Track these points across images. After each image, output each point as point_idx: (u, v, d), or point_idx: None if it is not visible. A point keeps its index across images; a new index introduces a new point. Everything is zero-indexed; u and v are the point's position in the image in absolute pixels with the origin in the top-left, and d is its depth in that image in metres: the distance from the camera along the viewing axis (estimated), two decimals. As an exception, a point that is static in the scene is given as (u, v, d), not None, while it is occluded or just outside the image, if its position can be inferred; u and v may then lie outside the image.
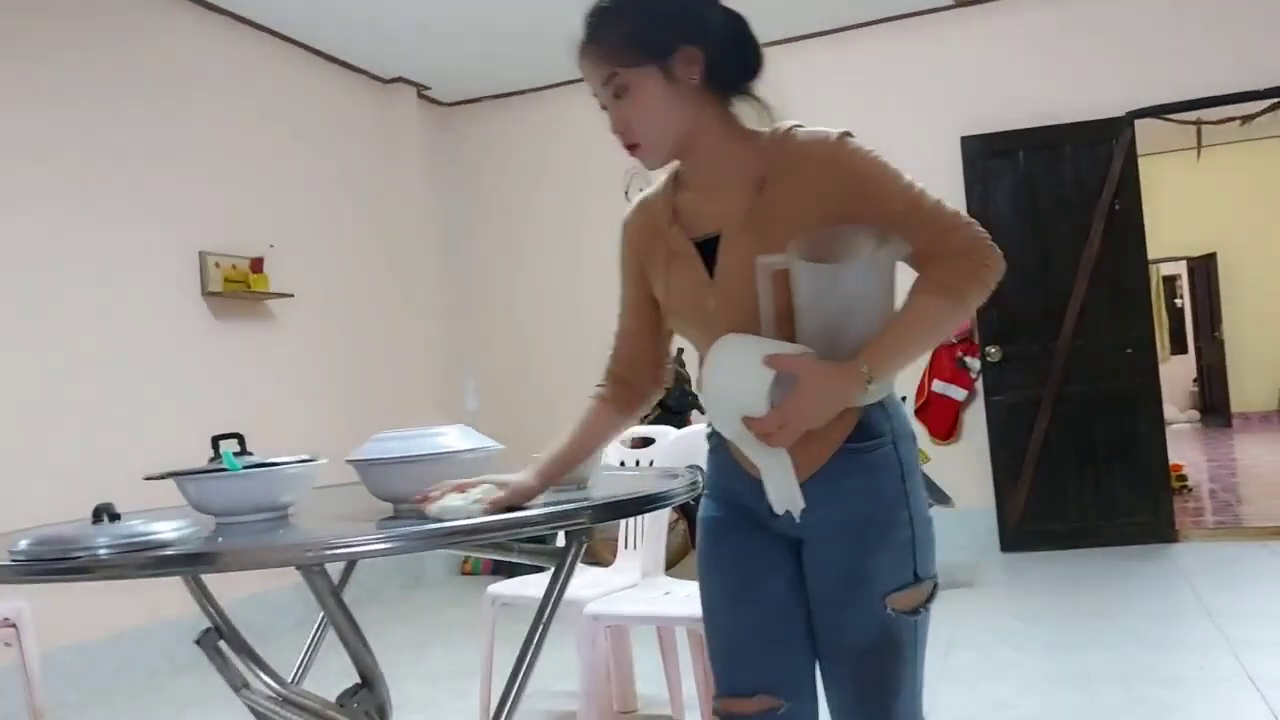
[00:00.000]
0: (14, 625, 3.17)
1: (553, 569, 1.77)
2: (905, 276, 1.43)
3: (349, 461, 1.72)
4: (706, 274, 1.49)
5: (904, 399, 5.09)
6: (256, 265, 4.94)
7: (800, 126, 1.47)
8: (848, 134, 1.45)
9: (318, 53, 5.66)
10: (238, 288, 4.84)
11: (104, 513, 1.50)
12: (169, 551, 1.42)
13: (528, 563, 2.29)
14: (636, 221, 1.63)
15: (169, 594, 3.50)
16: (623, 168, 6.26)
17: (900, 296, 1.42)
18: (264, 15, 5.13)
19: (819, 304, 1.37)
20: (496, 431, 2.11)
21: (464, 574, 6.33)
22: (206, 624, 2.14)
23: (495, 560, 5.96)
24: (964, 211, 1.41)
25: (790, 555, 1.53)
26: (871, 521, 1.46)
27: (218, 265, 4.79)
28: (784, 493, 1.43)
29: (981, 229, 1.41)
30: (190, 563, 1.46)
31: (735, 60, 1.49)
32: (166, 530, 1.48)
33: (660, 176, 1.61)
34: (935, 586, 1.52)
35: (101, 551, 1.40)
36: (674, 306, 1.56)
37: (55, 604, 3.52)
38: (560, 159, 6.44)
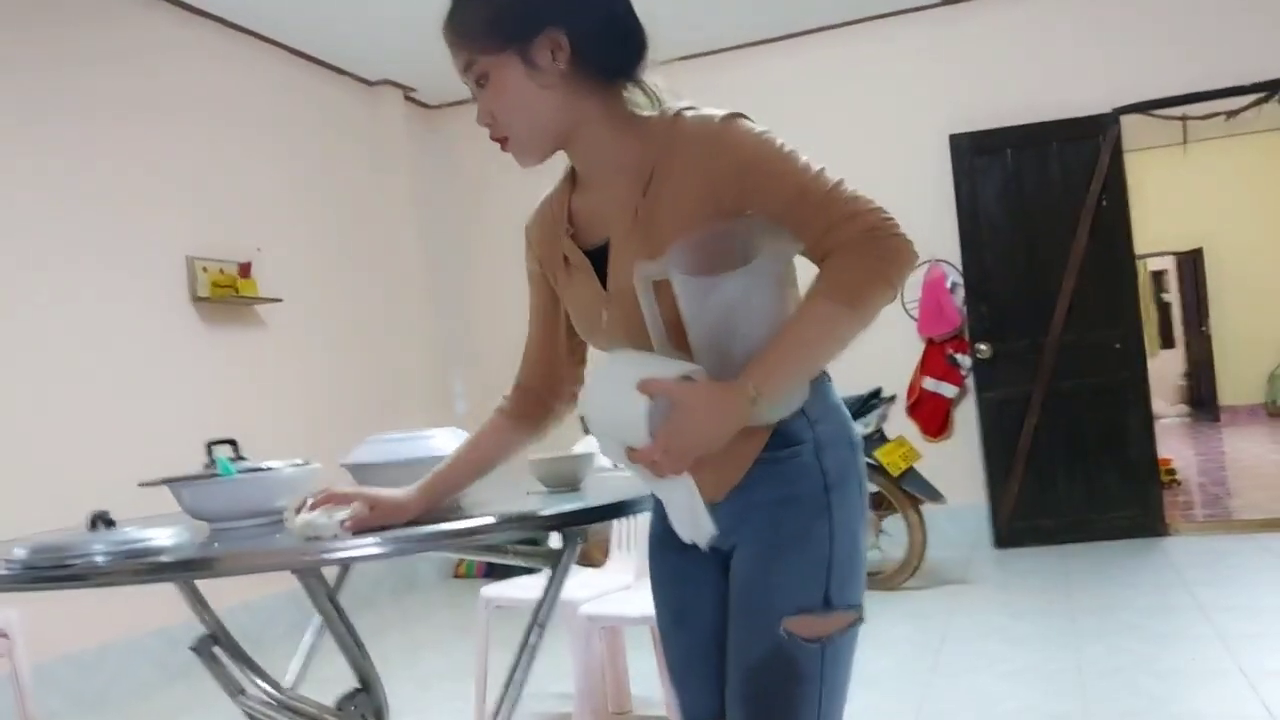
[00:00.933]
0: (5, 635, 3.15)
1: (548, 571, 1.77)
2: (807, 270, 1.29)
3: (343, 465, 1.71)
4: (600, 285, 1.36)
5: (891, 397, 5.15)
6: (244, 270, 4.92)
7: (690, 109, 1.31)
8: (738, 115, 1.29)
9: (304, 55, 5.65)
10: (226, 293, 4.83)
11: (99, 520, 1.49)
12: (166, 558, 1.42)
13: (521, 565, 2.29)
14: (537, 223, 1.49)
15: (160, 602, 3.49)
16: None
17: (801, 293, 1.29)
18: (250, 19, 5.11)
19: (702, 316, 1.24)
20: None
21: (457, 577, 6.32)
22: (198, 631, 2.13)
23: (489, 564, 5.96)
24: (866, 195, 1.23)
25: (722, 572, 1.39)
26: (781, 531, 1.31)
27: (205, 270, 4.77)
28: (687, 521, 1.31)
29: (888, 215, 1.22)
30: (187, 569, 1.46)
31: (611, 43, 1.33)
32: (162, 537, 1.48)
33: (558, 172, 1.48)
34: (856, 621, 1.33)
35: (98, 559, 1.40)
36: (574, 320, 1.45)
37: (46, 613, 3.50)
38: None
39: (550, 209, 1.46)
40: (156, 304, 4.58)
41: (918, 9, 5.77)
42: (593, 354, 1.51)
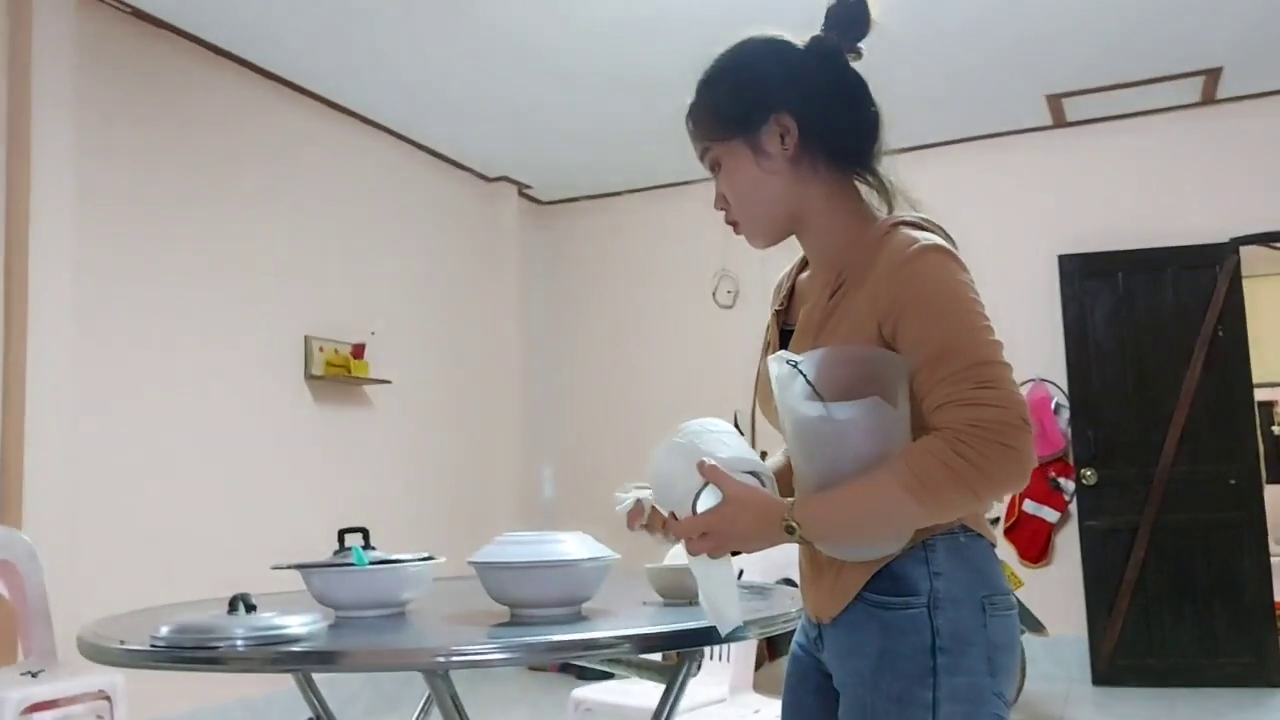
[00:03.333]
0: (108, 697, 3.22)
1: (664, 685, 1.75)
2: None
3: (471, 563, 1.74)
4: None
5: (995, 519, 5.01)
6: (358, 351, 5.08)
7: (904, 224, 1.27)
8: (938, 247, 1.22)
9: (428, 150, 5.90)
10: (339, 372, 4.98)
11: (240, 602, 1.54)
12: (300, 648, 1.45)
13: (612, 670, 2.27)
14: (773, 297, 1.51)
15: (251, 675, 3.54)
16: (710, 269, 6.36)
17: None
18: (378, 112, 5.37)
19: (792, 427, 1.22)
20: (570, 521, 2.12)
21: (531, 669, 6.26)
22: (283, 705, 2.15)
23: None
24: (1010, 387, 1.14)
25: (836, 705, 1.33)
26: (878, 689, 1.22)
27: (321, 350, 4.94)
28: (714, 605, 1.28)
29: (1017, 418, 1.11)
30: (321, 660, 1.48)
31: (838, 126, 1.31)
32: (296, 624, 1.52)
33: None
34: None
35: (239, 644, 1.43)
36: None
37: (144, 678, 3.57)
38: (649, 258, 6.56)
39: (780, 281, 1.51)
40: (275, 382, 4.74)
41: (1030, 130, 5.78)
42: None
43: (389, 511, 5.25)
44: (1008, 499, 5.59)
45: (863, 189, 1.36)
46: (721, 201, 1.37)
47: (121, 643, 1.52)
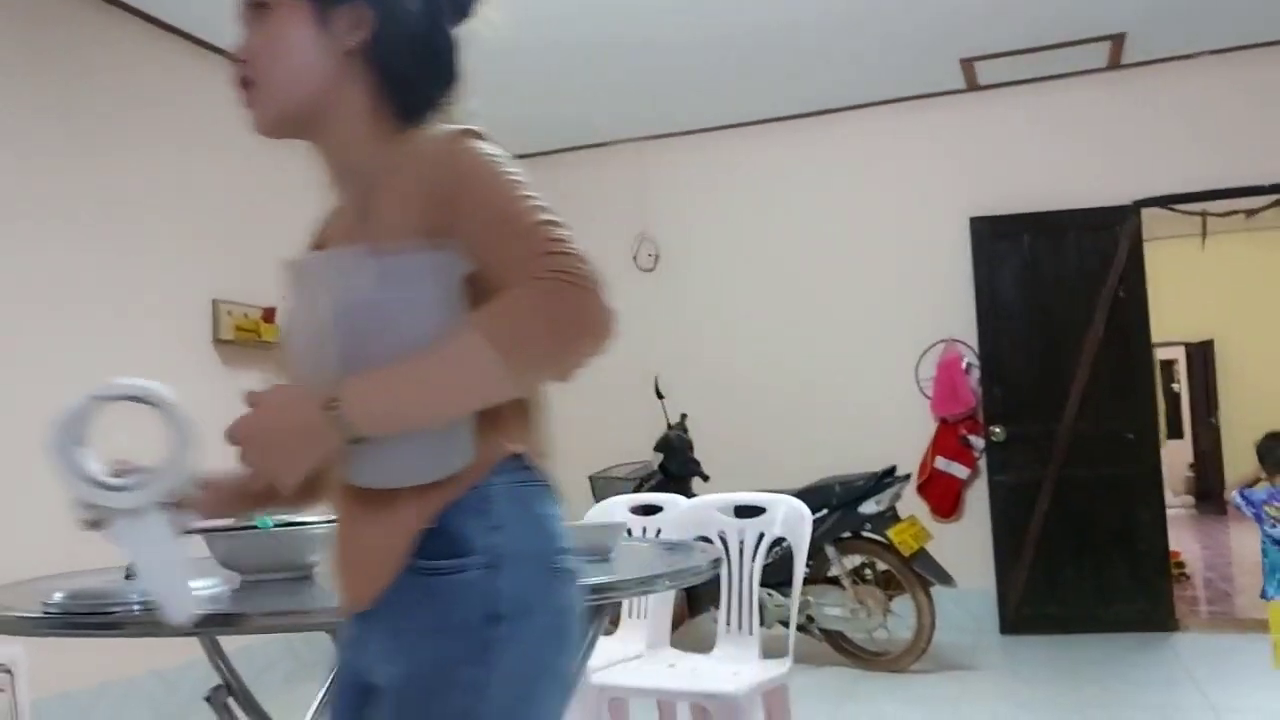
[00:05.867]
0: (9, 671, 3.13)
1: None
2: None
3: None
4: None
5: (906, 476, 5.16)
6: (269, 315, 4.96)
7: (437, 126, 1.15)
8: (478, 132, 1.13)
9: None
10: (249, 336, 4.86)
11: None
12: (205, 611, 1.42)
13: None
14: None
15: (161, 645, 3.46)
16: (631, 232, 6.35)
17: None
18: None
19: (339, 324, 1.05)
20: None
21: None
22: (194, 674, 2.12)
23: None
24: (581, 247, 1.03)
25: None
26: (418, 675, 1.03)
27: (230, 313, 4.81)
28: (161, 589, 1.11)
29: (587, 263, 1.01)
30: (226, 623, 1.46)
31: (413, 54, 1.18)
32: (200, 589, 1.49)
33: None
34: None
35: (136, 609, 1.40)
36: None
37: (48, 650, 3.47)
38: (569, 220, 6.49)
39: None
40: (181, 347, 4.60)
41: (943, 94, 5.87)
42: None
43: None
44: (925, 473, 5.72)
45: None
46: (245, 54, 1.17)
47: (13, 611, 1.48)
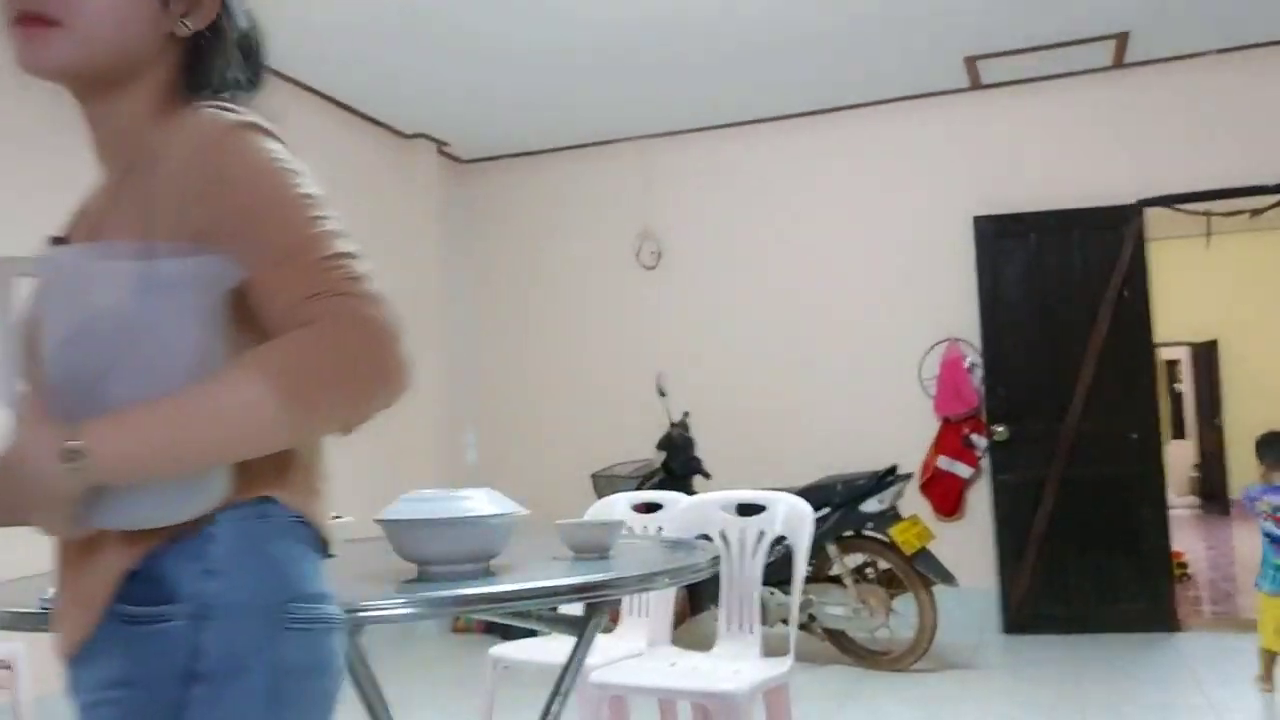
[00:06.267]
0: (9, 667, 3.13)
1: (557, 635, 1.76)
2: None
3: (377, 521, 1.72)
4: None
5: (907, 475, 5.15)
6: None
7: (215, 107, 1.00)
8: (256, 125, 0.98)
9: (342, 105, 5.75)
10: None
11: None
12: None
13: (529, 627, 2.27)
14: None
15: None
16: (633, 230, 6.35)
17: None
18: (292, 67, 5.22)
19: (76, 336, 0.89)
20: (493, 486, 2.10)
21: (456, 631, 6.25)
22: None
23: (488, 620, 5.90)
24: (378, 287, 0.92)
25: None
26: None
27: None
28: None
29: (384, 305, 0.91)
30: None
31: (227, 43, 1.07)
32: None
33: None
34: None
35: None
36: None
37: (49, 647, 3.48)
38: (571, 219, 6.53)
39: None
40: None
41: (949, 92, 5.86)
42: None
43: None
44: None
45: None
46: None
47: (14, 607, 1.48)
